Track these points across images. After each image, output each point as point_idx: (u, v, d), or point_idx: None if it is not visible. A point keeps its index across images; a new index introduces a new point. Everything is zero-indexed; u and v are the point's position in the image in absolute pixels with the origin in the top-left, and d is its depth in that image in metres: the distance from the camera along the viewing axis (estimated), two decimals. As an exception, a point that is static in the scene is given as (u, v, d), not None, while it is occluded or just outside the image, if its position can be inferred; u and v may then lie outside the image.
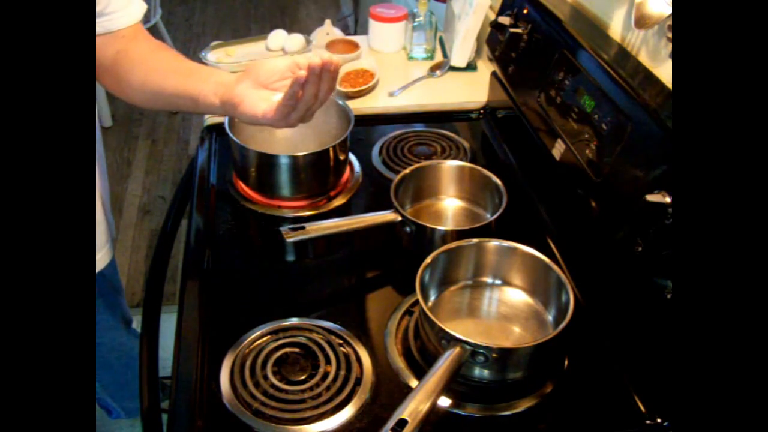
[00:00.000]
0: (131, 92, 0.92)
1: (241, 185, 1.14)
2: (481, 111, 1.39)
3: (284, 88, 0.83)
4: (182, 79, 0.88)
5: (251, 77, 0.84)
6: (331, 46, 1.53)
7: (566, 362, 0.85)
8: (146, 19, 2.97)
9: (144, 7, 0.95)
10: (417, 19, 1.50)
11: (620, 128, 0.84)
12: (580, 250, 0.99)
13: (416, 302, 0.87)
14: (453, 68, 1.49)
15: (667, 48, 0.87)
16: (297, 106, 0.82)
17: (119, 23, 0.91)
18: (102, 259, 1.16)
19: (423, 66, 1.51)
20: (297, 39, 1.53)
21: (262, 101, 0.83)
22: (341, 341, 0.86)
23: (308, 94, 0.80)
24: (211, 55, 1.50)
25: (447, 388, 0.74)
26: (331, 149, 1.08)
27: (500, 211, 0.99)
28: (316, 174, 1.11)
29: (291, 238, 0.93)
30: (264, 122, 0.83)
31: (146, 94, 0.91)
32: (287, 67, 0.85)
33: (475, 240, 0.91)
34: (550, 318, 0.89)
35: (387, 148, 1.25)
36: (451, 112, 1.39)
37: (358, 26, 3.20)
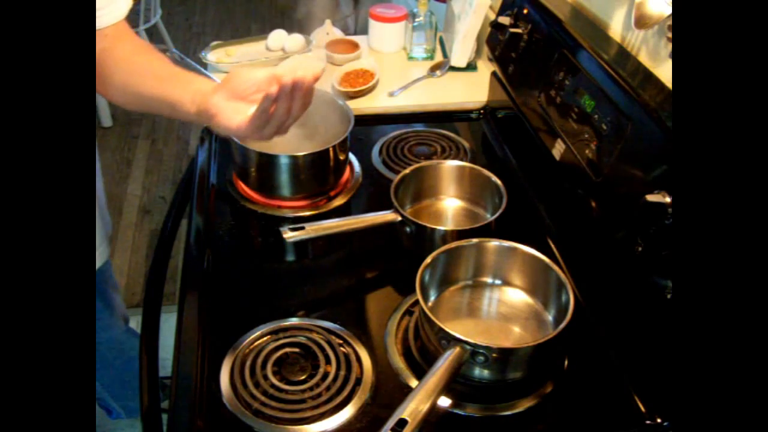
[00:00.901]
0: (113, 92, 0.91)
1: (241, 185, 1.14)
2: (481, 111, 1.39)
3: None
4: (162, 83, 0.87)
5: (228, 88, 0.83)
6: (331, 46, 1.53)
7: (566, 362, 0.85)
8: (146, 19, 2.98)
9: (129, 4, 0.93)
10: (417, 19, 1.50)
11: (620, 128, 0.84)
12: (580, 250, 0.99)
13: (416, 302, 0.87)
14: (453, 68, 1.49)
15: (667, 48, 0.87)
16: (270, 121, 0.81)
17: (103, 21, 0.89)
18: (99, 257, 1.16)
19: (423, 66, 1.51)
20: (297, 39, 1.53)
21: (238, 114, 0.82)
22: (341, 341, 0.86)
23: (280, 110, 0.80)
24: (211, 55, 1.50)
25: (447, 388, 0.74)
26: (331, 149, 1.08)
27: (500, 211, 0.99)
28: (316, 174, 1.11)
29: (291, 238, 0.93)
30: (238, 135, 0.83)
31: (127, 95, 0.89)
32: (265, 79, 0.83)
33: (475, 240, 0.91)
34: (550, 318, 0.89)
35: (387, 148, 1.25)
36: (451, 112, 1.39)
37: (358, 26, 3.20)
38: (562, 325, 0.78)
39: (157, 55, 0.91)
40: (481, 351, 0.76)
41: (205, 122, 0.85)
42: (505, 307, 0.91)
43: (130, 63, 0.89)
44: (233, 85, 0.83)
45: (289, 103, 0.80)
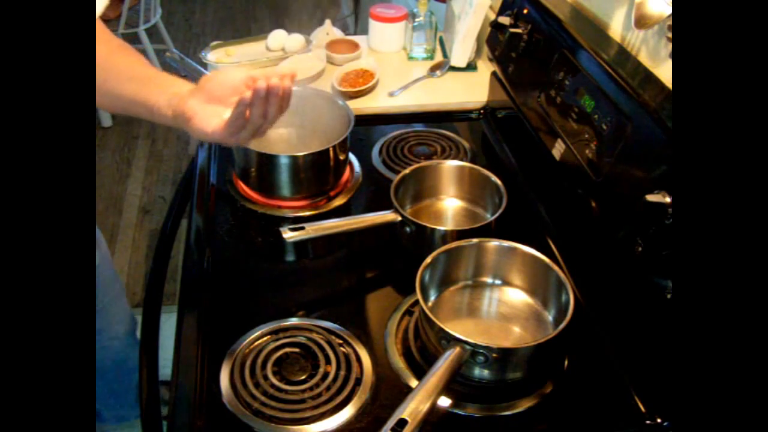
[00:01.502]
0: None
1: (241, 185, 1.14)
2: (481, 111, 1.39)
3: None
4: (139, 86, 0.84)
5: (204, 91, 0.82)
6: (331, 46, 1.53)
7: (566, 362, 0.85)
8: (146, 18, 2.97)
9: (104, 2, 0.90)
10: (417, 19, 1.50)
11: (620, 128, 0.84)
12: (580, 250, 0.99)
13: (416, 302, 0.87)
14: (453, 68, 1.49)
15: (667, 48, 0.87)
16: (246, 126, 0.80)
17: None
18: None
19: (423, 66, 1.51)
20: (297, 39, 1.53)
21: (214, 117, 0.81)
22: (341, 341, 0.86)
23: (255, 114, 0.79)
24: (211, 55, 1.50)
25: (447, 388, 0.74)
26: (331, 149, 1.08)
27: (500, 211, 0.99)
28: (316, 174, 1.11)
29: (291, 238, 0.93)
30: (214, 139, 0.81)
31: (104, 97, 0.86)
32: (241, 82, 0.82)
33: (475, 240, 0.91)
34: (550, 318, 0.89)
35: (387, 148, 1.25)
36: (451, 112, 1.39)
37: (358, 26, 3.20)
38: (562, 325, 0.78)
39: (134, 56, 0.89)
40: (481, 351, 0.76)
41: (181, 126, 0.82)
42: (505, 307, 0.91)
43: (107, 64, 0.86)
44: (209, 88, 0.82)
45: (264, 107, 0.79)
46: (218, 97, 0.82)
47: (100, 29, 0.89)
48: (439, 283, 0.92)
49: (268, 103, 0.78)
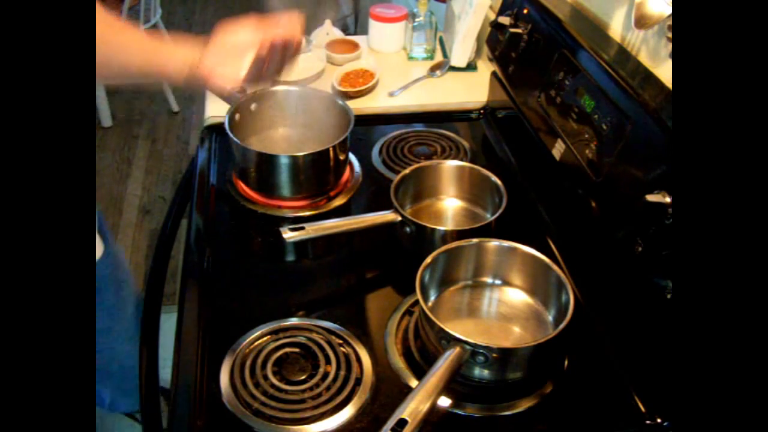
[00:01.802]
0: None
1: (241, 185, 1.14)
2: (481, 111, 1.39)
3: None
4: (150, 56, 0.90)
5: (216, 52, 0.91)
6: (331, 46, 1.53)
7: (566, 362, 0.85)
8: (146, 18, 2.97)
9: None
10: (417, 19, 1.50)
11: (620, 128, 0.84)
12: (580, 250, 0.99)
13: (416, 302, 0.87)
14: (453, 68, 1.49)
15: (667, 48, 0.87)
16: (261, 76, 0.94)
17: None
18: None
19: (423, 66, 1.51)
20: (297, 39, 1.53)
21: (230, 73, 0.91)
22: (341, 341, 0.86)
23: (273, 64, 0.93)
24: (211, 55, 1.50)
25: (447, 388, 0.74)
26: (331, 149, 1.08)
27: (500, 211, 0.99)
28: (316, 174, 1.11)
29: (291, 238, 0.93)
30: (232, 91, 0.94)
31: (111, 69, 0.90)
32: (254, 41, 0.91)
33: (475, 240, 0.91)
34: (550, 318, 0.89)
35: (387, 148, 1.25)
36: (451, 112, 1.39)
37: (358, 26, 3.20)
38: (562, 325, 0.78)
39: (138, 32, 0.93)
40: (481, 351, 0.76)
41: (196, 85, 0.92)
42: (505, 307, 0.91)
43: (111, 40, 0.89)
44: (219, 49, 0.91)
45: (281, 58, 0.93)
46: (230, 55, 0.91)
47: (100, 14, 0.91)
48: (439, 283, 0.92)
49: (285, 56, 0.93)
